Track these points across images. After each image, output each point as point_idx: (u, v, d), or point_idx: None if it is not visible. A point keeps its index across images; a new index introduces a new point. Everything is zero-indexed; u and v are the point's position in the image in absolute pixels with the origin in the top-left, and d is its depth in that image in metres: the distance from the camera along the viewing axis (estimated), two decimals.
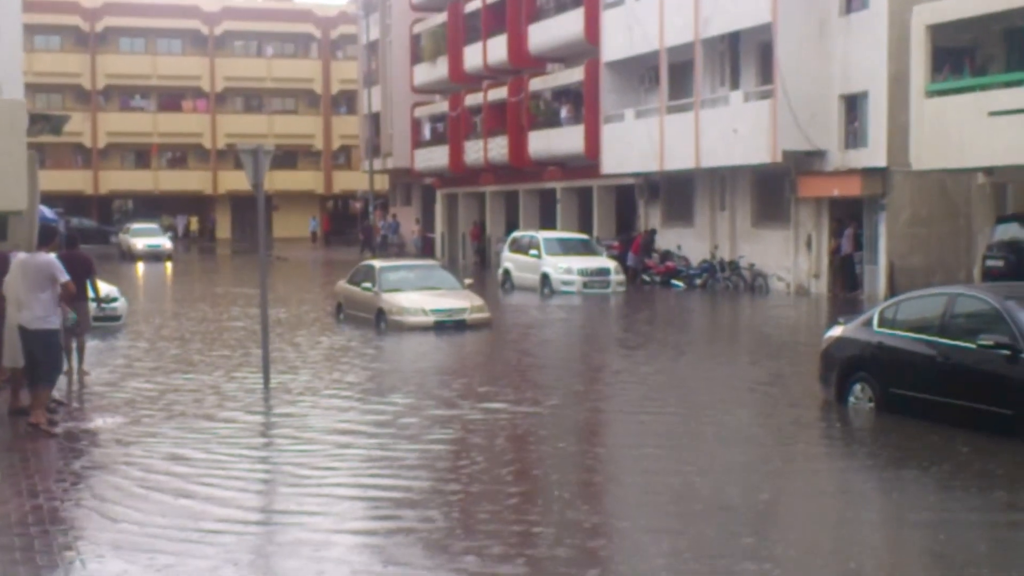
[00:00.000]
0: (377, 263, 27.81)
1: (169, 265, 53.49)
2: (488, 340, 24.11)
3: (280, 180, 77.70)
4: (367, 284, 26.39)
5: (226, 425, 14.68)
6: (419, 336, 24.14)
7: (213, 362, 20.61)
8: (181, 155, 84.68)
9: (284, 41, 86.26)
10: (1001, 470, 11.87)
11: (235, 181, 76.08)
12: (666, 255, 39.78)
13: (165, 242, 58.71)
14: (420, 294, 25.78)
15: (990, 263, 25.48)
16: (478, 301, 26.22)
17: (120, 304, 25.58)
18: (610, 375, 19.62)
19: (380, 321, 25.34)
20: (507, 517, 10.37)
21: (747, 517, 10.37)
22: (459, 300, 25.89)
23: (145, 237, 58.46)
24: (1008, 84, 25.30)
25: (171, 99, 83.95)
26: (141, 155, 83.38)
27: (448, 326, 24.94)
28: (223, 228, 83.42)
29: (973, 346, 13.30)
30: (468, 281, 28.18)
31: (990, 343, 13.02)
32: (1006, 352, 12.85)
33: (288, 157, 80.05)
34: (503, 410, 15.65)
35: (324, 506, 10.74)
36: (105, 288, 25.27)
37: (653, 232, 41.54)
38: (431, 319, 24.98)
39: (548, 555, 9.18)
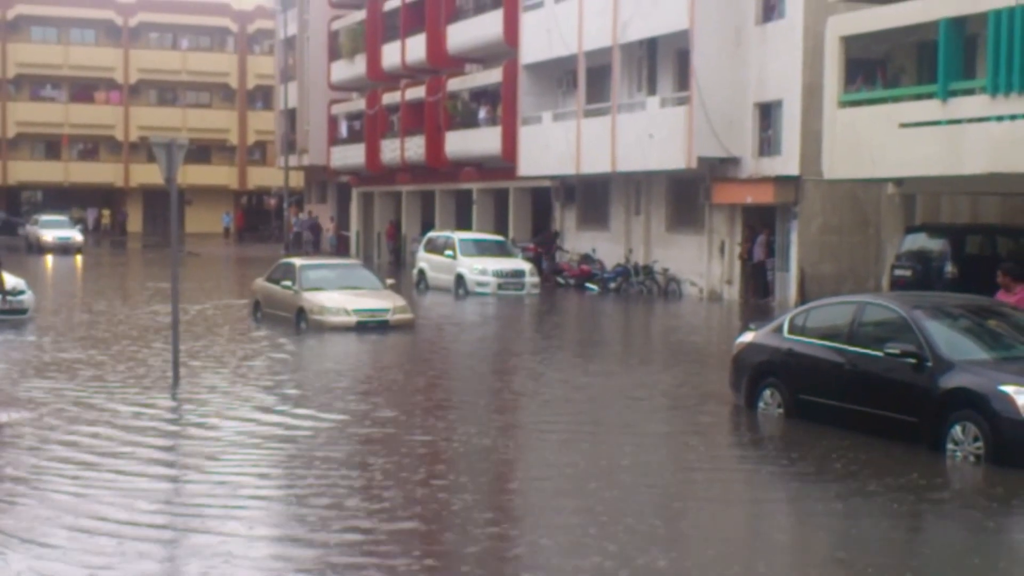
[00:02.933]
0: (297, 261, 27.31)
1: (79, 258, 52.70)
2: (412, 342, 23.85)
3: (194, 175, 76.89)
4: (287, 282, 25.81)
5: (132, 422, 14.49)
6: (341, 337, 23.78)
7: (121, 358, 20.31)
8: (93, 147, 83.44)
9: (200, 34, 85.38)
10: (905, 477, 12.05)
11: (148, 174, 75.09)
12: (584, 258, 39.93)
13: (75, 234, 58.01)
14: (342, 293, 25.36)
15: (898, 272, 25.86)
16: (400, 301, 25.95)
17: (27, 297, 25.13)
18: (527, 379, 19.59)
19: (300, 320, 24.92)
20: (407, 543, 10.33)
21: (653, 523, 10.41)
22: (382, 300, 25.57)
23: (54, 229, 57.71)
24: (919, 96, 25.69)
25: (83, 90, 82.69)
26: (52, 146, 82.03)
27: (371, 326, 24.61)
28: (135, 222, 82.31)
29: (880, 354, 13.49)
30: (390, 281, 27.90)
31: (897, 351, 13.22)
32: (912, 360, 13.06)
33: (202, 151, 79.25)
34: (424, 424, 15.60)
35: (223, 512, 10.64)
36: (12, 280, 24.87)
37: (555, 234, 41.82)
38: (353, 319, 24.62)
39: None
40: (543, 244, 41.64)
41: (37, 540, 9.39)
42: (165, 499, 11.09)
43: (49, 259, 51.09)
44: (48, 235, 56.68)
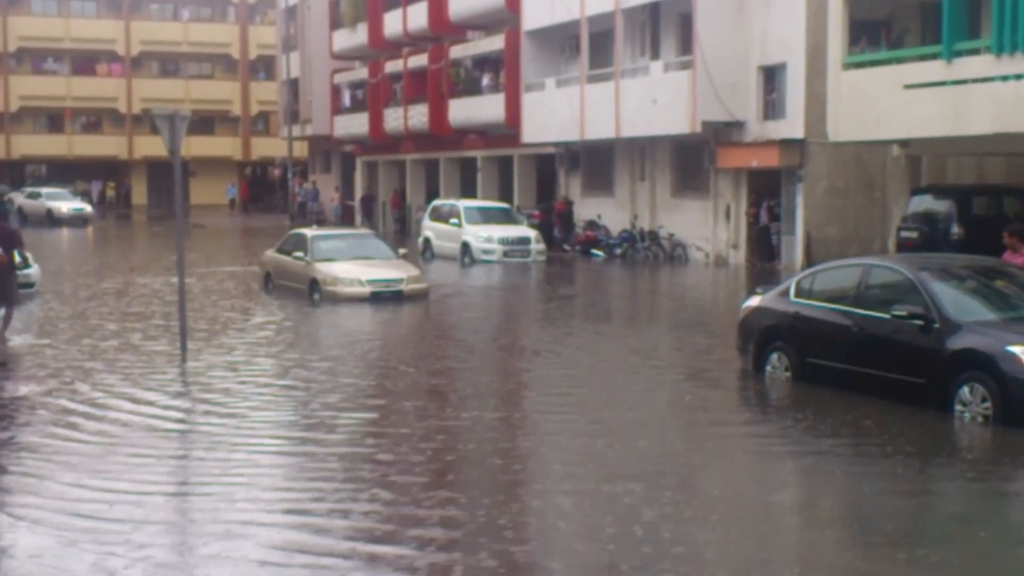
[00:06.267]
0: (308, 231, 27.16)
1: (90, 231, 53.34)
2: (429, 313, 23.74)
3: (197, 146, 76.78)
4: (299, 253, 25.66)
5: (142, 395, 14.53)
6: (356, 308, 23.63)
7: (131, 331, 20.31)
8: (96, 120, 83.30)
9: (200, 5, 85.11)
10: (913, 439, 12.07)
11: (151, 146, 75.03)
12: (590, 225, 39.88)
13: (87, 207, 60.46)
14: (355, 264, 25.21)
15: (904, 234, 25.80)
16: (414, 271, 25.84)
17: (33, 271, 25.11)
18: (542, 346, 19.61)
19: (313, 292, 24.78)
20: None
21: (662, 485, 10.43)
22: (395, 270, 25.41)
23: (66, 201, 59.70)
24: (923, 57, 25.56)
25: (85, 62, 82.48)
26: (54, 119, 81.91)
27: (385, 297, 24.46)
28: (139, 194, 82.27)
29: (887, 316, 13.49)
30: (402, 251, 27.74)
31: (904, 313, 13.21)
32: (919, 322, 13.06)
33: (205, 123, 79.04)
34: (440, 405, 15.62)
35: (238, 483, 10.66)
36: None
37: (571, 204, 41.60)
38: (367, 290, 24.45)
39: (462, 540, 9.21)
40: (560, 216, 41.19)
41: (47, 515, 9.44)
42: (172, 476, 11.15)
43: (65, 232, 51.98)
44: (64, 207, 58.60)
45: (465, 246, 36.04)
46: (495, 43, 45.10)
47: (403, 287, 24.89)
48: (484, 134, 46.72)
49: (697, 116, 33.65)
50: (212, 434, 12.52)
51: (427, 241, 38.45)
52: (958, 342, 12.68)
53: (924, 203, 26.09)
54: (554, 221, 41.07)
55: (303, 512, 9.54)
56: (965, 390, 12.52)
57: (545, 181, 45.51)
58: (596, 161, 41.59)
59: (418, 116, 50.34)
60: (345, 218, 59.20)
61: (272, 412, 13.86)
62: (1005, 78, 22.83)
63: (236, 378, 15.82)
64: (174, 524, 9.41)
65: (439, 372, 16.81)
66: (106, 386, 15.02)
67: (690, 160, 36.83)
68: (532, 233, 36.66)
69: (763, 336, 15.35)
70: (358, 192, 60.10)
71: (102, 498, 9.88)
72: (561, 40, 42.24)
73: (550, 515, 9.56)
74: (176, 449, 12.02)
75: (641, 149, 38.91)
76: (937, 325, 12.92)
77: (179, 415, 13.50)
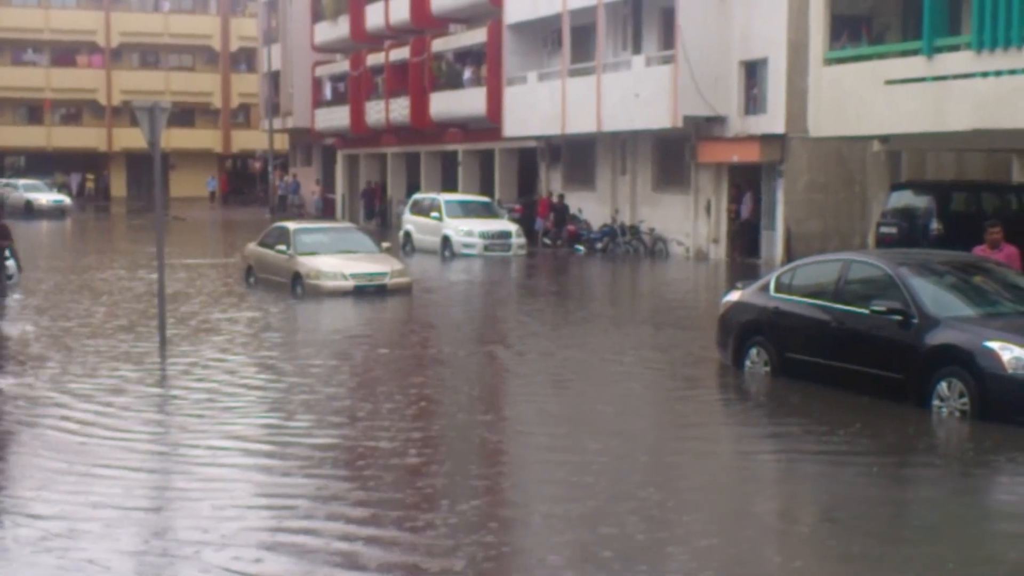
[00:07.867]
0: (291, 225, 27.04)
1: (69, 223, 53.26)
2: (413, 307, 23.65)
3: (177, 138, 76.47)
4: (281, 247, 25.53)
5: (120, 389, 14.46)
6: (339, 302, 23.51)
7: (110, 325, 20.22)
8: (75, 111, 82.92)
9: None
10: (892, 433, 12.11)
11: (131, 138, 74.55)
12: (571, 219, 39.82)
13: (66, 199, 60.90)
14: (338, 258, 25.06)
15: (884, 230, 25.86)
16: (398, 265, 25.77)
17: (10, 264, 24.97)
18: (525, 341, 19.63)
19: (296, 286, 24.61)
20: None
21: (641, 478, 10.44)
22: (379, 264, 25.32)
23: (44, 193, 59.89)
24: (904, 53, 25.61)
25: (65, 53, 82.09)
26: (34, 110, 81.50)
27: (368, 291, 24.35)
28: (118, 187, 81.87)
29: (866, 311, 13.53)
30: (386, 245, 27.60)
31: (883, 309, 13.25)
32: (898, 318, 13.10)
33: (185, 115, 78.79)
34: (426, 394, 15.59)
35: (211, 488, 10.44)
36: None
37: (562, 197, 41.23)
38: (351, 284, 24.33)
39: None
40: (555, 211, 40.76)
41: (17, 509, 9.40)
42: (148, 481, 11.09)
43: (44, 224, 51.96)
44: (43, 199, 58.90)
45: (446, 240, 36.00)
46: (477, 36, 45.03)
47: (387, 281, 24.80)
48: (465, 127, 46.66)
49: (678, 111, 33.68)
50: (185, 439, 12.16)
51: (408, 235, 38.41)
52: (936, 337, 12.72)
53: (904, 199, 26.16)
54: (542, 214, 40.79)
55: (277, 529, 9.20)
56: (943, 385, 12.56)
57: (526, 175, 45.49)
58: (577, 155, 41.57)
59: (399, 109, 50.25)
60: (326, 212, 59.05)
61: (250, 413, 13.62)
62: (985, 74, 22.90)
63: (214, 377, 15.54)
64: (141, 536, 9.23)
65: (422, 371, 16.79)
66: (80, 382, 14.92)
67: (671, 155, 36.86)
68: (513, 227, 36.65)
69: (743, 331, 15.37)
70: (339, 185, 59.95)
71: (69, 505, 9.73)
72: (543, 34, 42.22)
73: (529, 517, 9.57)
74: (144, 457, 11.53)
75: (622, 143, 38.92)
76: (916, 320, 12.96)
77: (153, 416, 13.36)
